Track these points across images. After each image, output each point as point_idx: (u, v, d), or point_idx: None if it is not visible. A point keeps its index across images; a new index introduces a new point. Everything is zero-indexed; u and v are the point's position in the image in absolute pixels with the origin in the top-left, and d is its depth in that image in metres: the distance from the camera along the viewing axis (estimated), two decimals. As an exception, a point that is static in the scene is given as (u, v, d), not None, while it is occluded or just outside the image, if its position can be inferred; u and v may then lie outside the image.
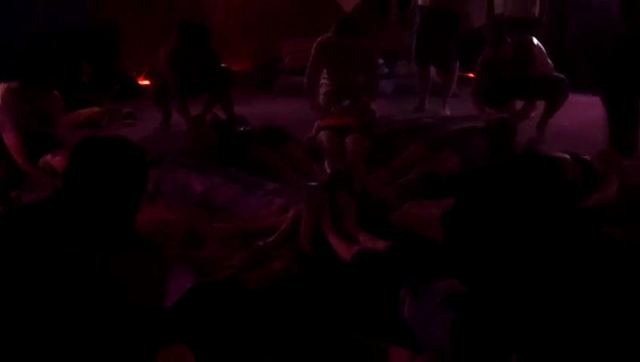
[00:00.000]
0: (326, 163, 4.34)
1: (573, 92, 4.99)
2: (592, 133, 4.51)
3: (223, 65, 5.47)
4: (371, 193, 3.73)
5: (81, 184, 1.88)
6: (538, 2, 5.57)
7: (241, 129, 4.73)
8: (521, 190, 1.90)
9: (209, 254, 3.11)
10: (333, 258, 3.00)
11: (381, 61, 6.78)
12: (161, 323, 1.86)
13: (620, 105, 4.26)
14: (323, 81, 5.18)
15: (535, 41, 5.13)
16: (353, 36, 4.94)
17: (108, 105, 5.88)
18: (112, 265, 1.77)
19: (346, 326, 2.31)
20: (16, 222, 1.87)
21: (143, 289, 1.83)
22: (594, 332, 1.59)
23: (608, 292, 1.62)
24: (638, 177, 3.72)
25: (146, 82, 7.04)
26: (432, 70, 6.22)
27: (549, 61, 5.16)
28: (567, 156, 3.55)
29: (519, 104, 5.51)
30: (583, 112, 4.53)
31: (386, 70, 7.19)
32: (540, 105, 5.23)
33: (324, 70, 5.15)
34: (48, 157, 4.02)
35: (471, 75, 6.06)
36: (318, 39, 5.13)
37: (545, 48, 5.17)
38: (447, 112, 5.94)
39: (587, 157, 3.70)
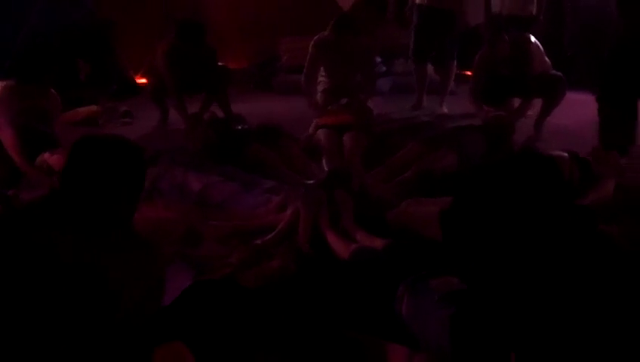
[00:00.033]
0: (324, 161, 4.34)
1: (570, 90, 4.99)
2: (590, 132, 4.51)
3: (220, 63, 5.47)
4: (369, 191, 3.73)
5: (79, 182, 1.88)
6: (535, 0, 5.57)
7: (239, 127, 4.73)
8: (519, 188, 1.90)
9: (207, 252, 3.11)
10: (330, 256, 3.00)
11: (379, 59, 6.78)
12: (159, 321, 1.86)
13: (618, 104, 4.26)
14: (321, 79, 5.18)
15: (532, 39, 5.13)
16: (351, 34, 4.94)
17: (105, 103, 5.87)
18: (109, 264, 1.77)
19: (343, 324, 2.31)
20: (14, 221, 1.87)
21: (141, 288, 1.83)
22: (591, 330, 1.59)
23: (605, 290, 1.63)
24: (634, 176, 3.72)
25: (144, 80, 7.03)
26: (430, 68, 6.22)
27: (547, 59, 5.16)
28: (565, 154, 3.57)
29: (517, 102, 5.51)
30: (581, 110, 4.53)
31: (384, 68, 7.19)
32: (537, 103, 5.23)
33: (322, 68, 5.14)
34: (46, 155, 4.02)
35: (468, 73, 6.06)
36: (316, 37, 5.12)
37: (542, 46, 5.17)
38: (445, 110, 5.94)
39: (584, 155, 3.71)
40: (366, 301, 2.51)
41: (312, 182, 3.85)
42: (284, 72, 7.29)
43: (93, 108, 5.66)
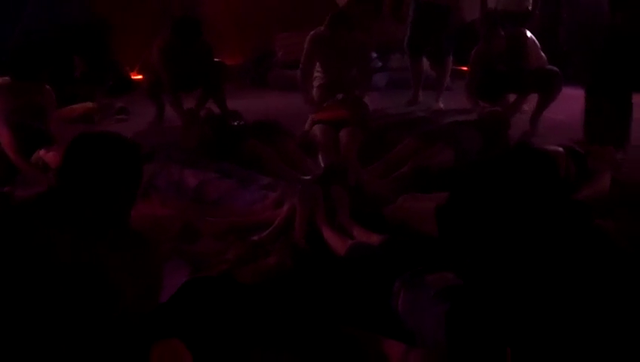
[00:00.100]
0: (320, 157, 4.34)
1: (566, 85, 5.00)
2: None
3: (216, 59, 5.46)
4: (365, 187, 3.73)
5: (77, 180, 1.88)
6: (531, -5, 5.58)
7: (235, 123, 4.72)
8: (515, 184, 1.91)
9: (203, 249, 3.11)
10: (327, 252, 3.00)
11: (374, 55, 6.78)
12: (157, 318, 1.86)
13: (605, 99, 4.27)
14: (316, 74, 5.18)
15: (528, 34, 5.13)
16: (346, 30, 4.93)
17: (101, 100, 5.86)
18: (106, 261, 1.77)
19: (340, 320, 2.32)
20: (11, 218, 1.86)
21: (138, 285, 1.83)
22: (586, 325, 1.60)
23: (600, 284, 1.63)
24: (630, 171, 3.74)
25: (139, 77, 7.02)
26: (426, 63, 6.22)
27: (543, 54, 5.17)
28: (561, 149, 3.57)
29: (512, 98, 5.51)
30: (577, 105, 4.53)
31: (380, 64, 7.18)
32: (533, 98, 5.24)
33: (318, 64, 5.14)
34: (41, 152, 4.01)
35: (464, 68, 6.06)
36: (312, 33, 5.12)
37: (538, 41, 5.17)
38: (441, 106, 5.94)
39: (580, 150, 3.72)
40: (362, 296, 2.52)
41: (308, 177, 3.85)
42: (280, 67, 7.29)
43: (89, 104, 5.66)
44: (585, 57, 4.63)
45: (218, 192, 3.60)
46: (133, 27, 7.02)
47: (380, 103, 5.83)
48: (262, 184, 3.68)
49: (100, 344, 1.68)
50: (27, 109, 4.20)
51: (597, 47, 4.44)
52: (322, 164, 4.16)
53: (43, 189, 2.20)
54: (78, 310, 1.69)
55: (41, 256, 1.71)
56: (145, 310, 1.86)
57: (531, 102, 5.30)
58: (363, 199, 3.53)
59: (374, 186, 3.77)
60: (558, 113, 5.17)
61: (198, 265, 2.90)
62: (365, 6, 7.11)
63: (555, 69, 5.07)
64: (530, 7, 5.55)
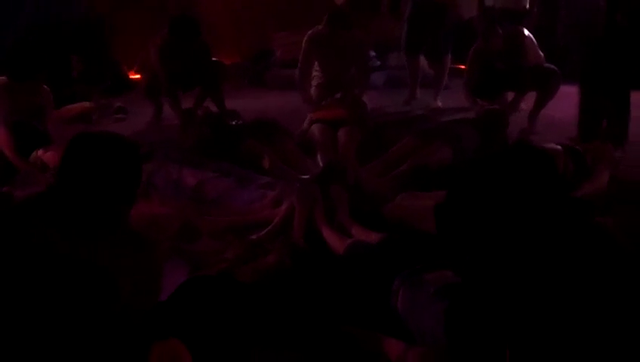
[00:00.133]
0: (318, 156, 4.34)
1: (564, 83, 5.00)
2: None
3: (214, 58, 5.45)
4: (364, 185, 3.73)
5: (76, 179, 1.88)
6: (529, -6, 5.58)
7: (233, 122, 4.72)
8: (513, 181, 1.91)
9: (202, 248, 3.11)
10: (326, 251, 3.00)
11: (373, 53, 6.78)
12: (156, 317, 1.86)
13: (611, 96, 4.28)
14: (315, 73, 5.17)
15: (526, 32, 5.14)
16: (344, 29, 4.93)
17: (99, 99, 5.86)
18: (105, 260, 1.77)
19: (339, 319, 2.32)
20: (10, 218, 1.86)
21: (138, 284, 1.83)
22: (586, 323, 1.60)
23: (600, 282, 1.63)
24: (628, 168, 3.75)
25: (137, 76, 7.01)
26: (424, 62, 6.22)
27: (540, 52, 5.18)
28: (559, 147, 3.58)
29: (510, 96, 5.52)
30: (575, 103, 4.54)
31: (378, 62, 7.19)
32: (531, 96, 5.24)
33: (316, 63, 5.14)
34: (40, 152, 4.01)
35: (462, 66, 6.06)
36: (310, 32, 5.12)
37: (536, 39, 5.18)
38: (439, 104, 5.94)
39: (579, 147, 3.72)
40: (361, 295, 2.52)
41: (306, 177, 3.85)
42: (278, 66, 7.28)
43: (87, 104, 5.65)
44: (583, 55, 4.63)
45: (217, 191, 3.60)
46: (131, 26, 7.01)
47: (378, 102, 5.83)
48: (260, 183, 3.68)
49: (100, 343, 1.68)
50: (25, 109, 4.20)
51: (595, 45, 4.44)
52: (321, 163, 4.16)
53: (42, 189, 2.20)
54: (78, 309, 1.68)
55: (41, 255, 1.71)
56: (145, 308, 1.86)
57: (529, 100, 5.31)
58: (362, 198, 3.53)
59: (373, 185, 3.77)
60: (556, 111, 5.17)
61: (197, 264, 2.90)
62: (363, 4, 7.11)
63: (553, 66, 5.07)
64: (527, 5, 5.55)
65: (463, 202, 2.15)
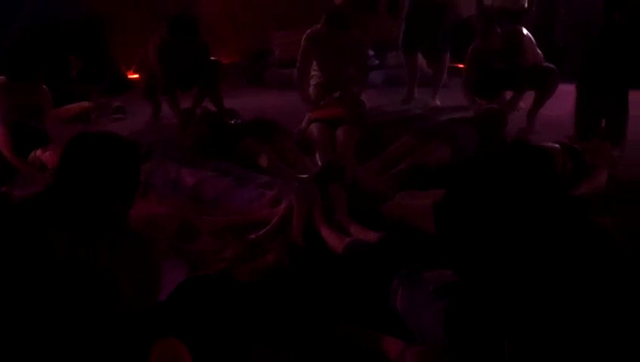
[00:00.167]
0: (317, 155, 4.34)
1: (563, 82, 5.00)
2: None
3: (212, 57, 5.45)
4: (362, 184, 3.73)
5: (75, 180, 1.88)
6: (527, -7, 5.58)
7: (232, 122, 4.73)
8: (512, 180, 1.91)
9: (201, 247, 3.11)
10: (324, 250, 3.00)
11: (371, 52, 6.78)
12: (155, 316, 1.86)
13: (609, 95, 4.29)
14: (313, 73, 5.17)
15: (524, 31, 5.14)
16: (343, 28, 4.93)
17: (97, 99, 5.85)
18: (105, 260, 1.77)
19: (338, 318, 2.32)
20: (9, 218, 1.86)
21: (137, 283, 1.83)
22: (584, 320, 1.60)
23: (598, 280, 1.64)
24: (627, 167, 3.75)
25: (136, 76, 7.01)
26: (423, 61, 6.22)
27: (539, 51, 5.18)
28: (557, 146, 3.58)
29: (509, 95, 5.52)
30: (573, 102, 4.54)
31: (376, 61, 7.19)
32: (529, 95, 5.24)
33: (315, 62, 5.14)
34: (38, 152, 4.01)
35: (461, 65, 6.06)
36: (308, 31, 5.11)
37: (535, 38, 5.18)
38: (438, 103, 5.94)
39: (577, 146, 3.72)
40: (360, 294, 2.52)
41: (305, 176, 3.85)
42: (277, 66, 7.29)
43: (85, 104, 5.65)
44: (581, 54, 4.63)
45: (215, 191, 3.59)
46: (130, 26, 7.01)
47: (376, 101, 5.83)
48: (259, 182, 3.68)
49: (100, 343, 1.68)
50: (23, 109, 4.19)
51: (594, 44, 4.44)
52: (319, 162, 4.17)
53: (40, 189, 2.20)
54: (77, 309, 1.68)
55: (40, 256, 1.71)
56: (144, 307, 1.86)
57: (527, 99, 5.31)
58: (360, 197, 3.53)
59: (371, 184, 3.77)
60: (555, 110, 5.18)
61: (196, 264, 2.90)
62: (361, 4, 7.10)
63: (552, 65, 5.08)
64: (526, 5, 5.55)
65: (461, 201, 2.16)
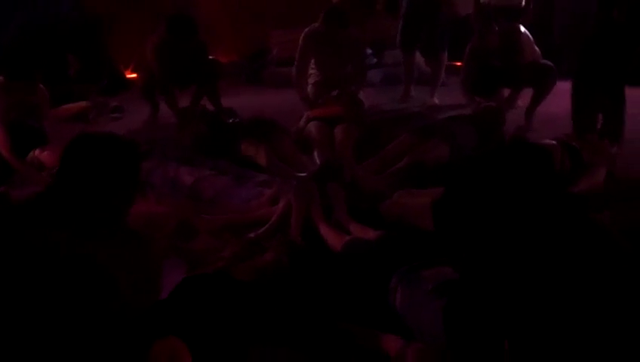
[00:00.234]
0: (315, 153, 4.34)
1: (560, 79, 5.00)
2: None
3: (210, 57, 5.45)
4: (361, 183, 3.73)
5: (76, 180, 1.88)
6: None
7: (230, 121, 4.72)
8: (510, 178, 1.91)
9: (200, 246, 3.11)
10: (323, 248, 3.00)
11: (369, 51, 6.78)
12: (154, 316, 1.86)
13: (606, 92, 4.29)
14: (311, 71, 5.17)
15: (522, 29, 5.14)
16: (341, 26, 4.92)
17: (95, 98, 5.85)
18: (105, 259, 1.77)
19: (337, 316, 2.32)
20: (9, 218, 1.87)
21: (137, 282, 1.84)
22: (583, 317, 1.60)
23: (596, 277, 1.64)
24: (624, 165, 3.75)
25: (134, 75, 7.00)
26: (421, 59, 6.22)
27: (537, 49, 5.19)
28: (555, 143, 3.58)
29: (507, 93, 5.52)
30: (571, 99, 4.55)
31: (374, 60, 7.18)
32: (528, 93, 5.25)
33: (313, 61, 5.14)
34: (37, 152, 4.01)
35: (459, 64, 6.06)
36: (306, 30, 5.11)
37: (532, 36, 5.18)
38: (436, 101, 5.94)
39: (575, 143, 3.73)
40: (359, 293, 2.52)
41: (304, 174, 3.85)
42: (275, 64, 7.28)
43: (83, 103, 5.65)
44: (578, 51, 4.64)
45: (214, 189, 3.59)
46: (128, 25, 7.00)
47: (374, 99, 5.83)
48: (257, 181, 3.68)
49: (100, 342, 1.68)
50: (21, 108, 4.20)
51: (590, 41, 4.45)
52: (318, 161, 4.17)
53: (40, 189, 2.20)
54: (78, 308, 1.68)
55: (40, 255, 1.71)
56: (144, 306, 1.86)
57: (525, 97, 5.31)
58: (359, 195, 3.53)
59: (370, 182, 3.77)
60: (553, 107, 5.18)
61: (195, 263, 2.90)
62: (359, 2, 7.10)
63: (549, 63, 5.08)
64: (523, 2, 5.55)
65: (460, 199, 2.16)
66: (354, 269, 2.66)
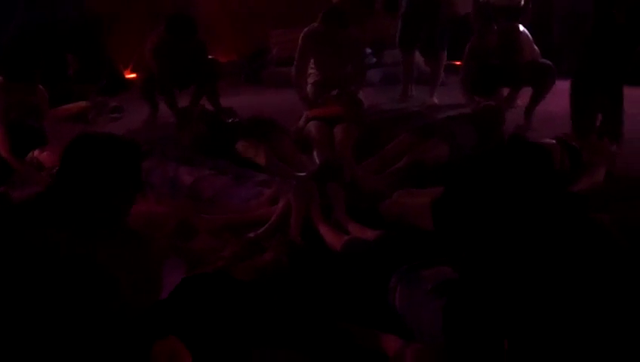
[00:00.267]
0: (315, 153, 4.34)
1: (560, 78, 5.01)
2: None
3: (210, 56, 5.45)
4: (360, 183, 3.73)
5: (77, 180, 1.89)
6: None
7: (230, 120, 4.72)
8: (510, 177, 1.91)
9: (200, 246, 3.11)
10: (323, 248, 3.00)
11: (368, 50, 6.78)
12: (154, 316, 1.86)
13: (605, 91, 4.29)
14: (311, 71, 5.17)
15: (521, 28, 5.15)
16: (340, 26, 4.93)
17: (95, 98, 5.85)
18: (105, 259, 1.78)
19: (337, 316, 2.32)
20: (9, 218, 1.87)
21: (137, 282, 1.84)
22: (583, 317, 1.60)
23: (596, 276, 1.64)
24: (624, 164, 3.75)
25: (133, 75, 7.00)
26: (420, 59, 6.22)
27: (536, 48, 5.19)
28: (555, 142, 3.58)
29: (507, 92, 5.52)
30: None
31: (374, 59, 7.18)
32: (527, 92, 5.25)
33: (312, 60, 5.14)
34: (36, 152, 4.02)
35: (459, 63, 6.06)
36: (305, 29, 5.11)
37: (531, 35, 5.18)
38: (435, 101, 5.94)
39: (575, 143, 3.73)
40: (359, 292, 2.52)
41: (303, 174, 3.85)
42: (274, 64, 7.28)
43: (83, 103, 5.65)
44: (578, 51, 4.64)
45: (213, 189, 3.60)
46: (127, 25, 7.00)
47: (374, 99, 5.83)
48: (257, 181, 3.68)
49: (100, 341, 1.68)
50: (20, 109, 4.20)
51: (588, 41, 4.45)
52: (317, 161, 4.16)
53: (40, 189, 2.20)
54: (78, 308, 1.69)
55: (40, 255, 1.71)
56: (145, 306, 1.86)
57: (524, 96, 5.31)
58: (358, 195, 3.53)
59: (369, 182, 3.77)
60: (552, 106, 5.18)
61: (194, 262, 2.90)
62: (359, 2, 7.10)
63: (549, 62, 5.08)
64: (522, 2, 5.55)
65: (460, 198, 2.16)
66: (353, 269, 2.66)
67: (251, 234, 3.15)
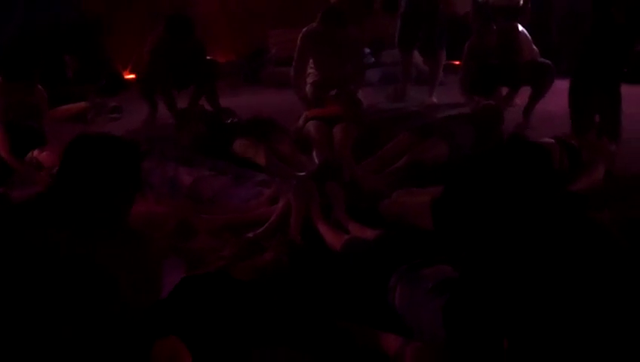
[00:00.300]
0: (314, 153, 4.34)
1: (559, 77, 5.01)
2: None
3: (208, 57, 5.45)
4: (360, 182, 3.73)
5: (77, 180, 1.89)
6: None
7: (229, 121, 4.72)
8: (509, 176, 1.91)
9: (199, 246, 3.11)
10: (323, 247, 3.00)
11: (367, 50, 6.78)
12: (154, 315, 1.86)
13: (604, 90, 4.30)
14: (310, 71, 5.18)
15: (520, 27, 5.15)
16: (339, 26, 4.93)
17: (94, 99, 5.85)
18: (105, 259, 1.77)
19: (337, 315, 2.32)
20: (9, 218, 1.87)
21: (137, 282, 1.84)
22: (583, 317, 1.61)
23: (595, 275, 1.64)
24: (623, 163, 3.75)
25: (132, 76, 7.00)
26: (419, 58, 6.22)
27: (535, 47, 5.19)
28: (554, 141, 3.59)
29: (505, 91, 5.53)
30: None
31: (373, 59, 7.19)
32: (526, 92, 5.25)
33: (311, 60, 5.14)
34: (36, 152, 4.02)
35: (457, 63, 6.07)
36: (304, 29, 5.12)
37: (530, 35, 5.19)
38: (435, 100, 5.95)
39: (573, 142, 3.73)
40: (359, 291, 2.52)
41: (303, 174, 3.85)
42: (273, 64, 7.29)
43: (82, 104, 5.65)
44: (576, 50, 4.65)
45: (213, 189, 3.60)
46: (126, 26, 7.00)
47: (373, 99, 5.83)
48: (257, 181, 3.68)
49: (100, 341, 1.68)
50: (20, 109, 4.20)
51: (587, 40, 4.45)
52: (317, 160, 4.16)
53: (39, 189, 2.20)
54: (77, 308, 1.69)
55: (41, 255, 1.71)
56: (145, 305, 1.86)
57: (523, 95, 5.32)
58: (358, 194, 3.53)
59: (369, 181, 3.77)
60: (551, 106, 5.19)
61: (194, 262, 2.90)
62: (358, 2, 7.11)
63: (548, 62, 5.09)
64: (521, 1, 5.56)
65: (459, 197, 2.16)
66: (353, 268, 2.66)
67: (251, 234, 3.15)
